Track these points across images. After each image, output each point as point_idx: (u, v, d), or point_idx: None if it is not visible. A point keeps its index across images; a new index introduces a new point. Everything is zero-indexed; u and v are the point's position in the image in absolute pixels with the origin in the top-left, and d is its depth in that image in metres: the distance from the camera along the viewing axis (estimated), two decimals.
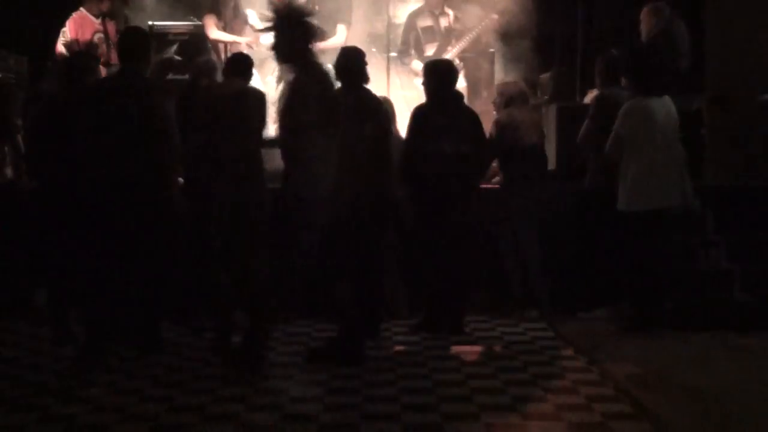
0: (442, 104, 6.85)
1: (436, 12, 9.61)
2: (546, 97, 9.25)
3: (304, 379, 5.60)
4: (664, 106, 6.72)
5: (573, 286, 7.30)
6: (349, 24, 9.40)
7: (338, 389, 5.38)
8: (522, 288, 7.35)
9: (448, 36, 9.49)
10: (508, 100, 7.45)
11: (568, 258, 7.36)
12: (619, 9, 9.98)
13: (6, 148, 7.85)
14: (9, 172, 7.96)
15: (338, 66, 6.43)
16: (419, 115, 6.83)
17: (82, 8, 9.29)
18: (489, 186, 7.54)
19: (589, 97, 7.95)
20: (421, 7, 9.79)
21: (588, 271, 7.16)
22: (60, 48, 8.99)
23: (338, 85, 6.47)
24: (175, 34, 9.84)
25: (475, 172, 7.00)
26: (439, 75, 6.94)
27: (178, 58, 9.23)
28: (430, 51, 9.33)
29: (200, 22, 9.58)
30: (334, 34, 9.09)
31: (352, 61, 6.40)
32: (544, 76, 9.57)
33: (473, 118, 6.99)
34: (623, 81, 7.03)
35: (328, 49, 7.95)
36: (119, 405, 5.09)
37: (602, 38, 9.65)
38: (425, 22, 9.61)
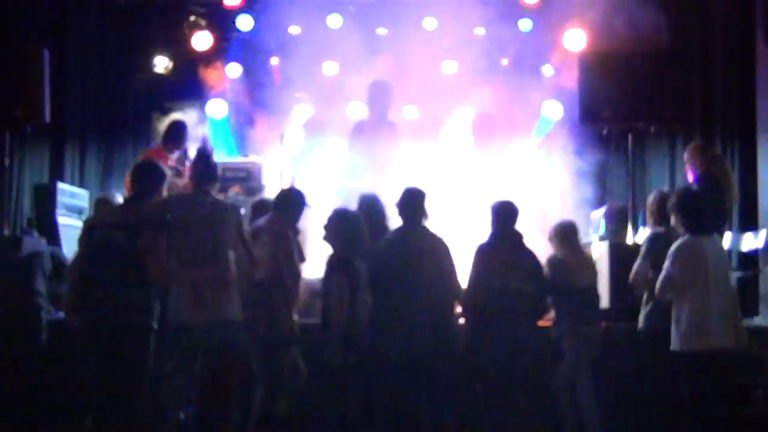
0: (504, 242, 6.95)
1: None
2: (599, 234, 9.27)
3: None
4: (714, 245, 6.69)
5: (628, 428, 7.15)
6: None
7: None
8: (577, 428, 7.21)
9: None
10: (562, 238, 7.49)
11: (622, 398, 7.24)
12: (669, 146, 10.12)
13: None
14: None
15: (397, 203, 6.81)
16: (484, 251, 6.92)
17: (158, 143, 9.49)
18: (542, 324, 7.49)
19: (642, 235, 7.93)
20: None
21: (643, 413, 7.02)
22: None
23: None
24: (233, 170, 10.14)
25: (536, 310, 7.04)
26: (501, 214, 7.05)
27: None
28: None
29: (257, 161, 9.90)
30: None
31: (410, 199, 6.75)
32: (597, 213, 9.61)
33: (533, 257, 7.08)
34: (673, 220, 7.04)
35: None
36: None
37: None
38: None
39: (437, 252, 6.76)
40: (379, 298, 6.61)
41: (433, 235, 6.83)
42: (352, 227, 6.61)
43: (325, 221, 6.70)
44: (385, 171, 8.80)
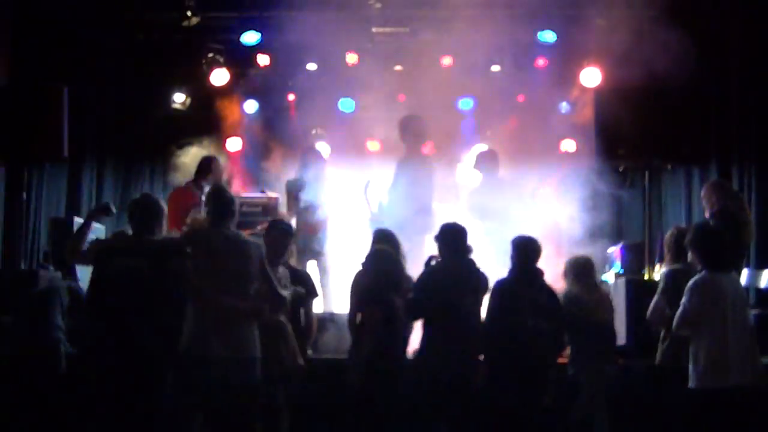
0: (525, 279, 6.93)
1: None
2: (615, 270, 9.23)
3: None
4: (732, 282, 6.63)
5: None
6: None
7: None
8: None
9: None
10: (578, 274, 7.46)
11: None
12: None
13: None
14: None
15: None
16: (503, 289, 6.91)
17: (186, 181, 9.57)
18: (558, 360, 7.46)
19: (659, 271, 7.90)
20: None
21: None
22: None
23: None
24: (250, 206, 10.18)
25: (554, 348, 7.02)
26: (522, 250, 7.02)
27: None
28: None
29: (273, 194, 9.95)
30: None
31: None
32: (614, 249, 9.57)
33: (553, 295, 7.06)
34: (690, 256, 7.00)
35: None
36: None
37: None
38: None
39: (476, 287, 6.85)
40: (424, 328, 6.77)
41: (476, 271, 6.90)
42: (389, 267, 6.69)
43: (362, 260, 6.83)
44: (419, 206, 8.90)
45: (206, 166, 9.54)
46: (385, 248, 6.94)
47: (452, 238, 6.93)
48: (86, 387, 6.35)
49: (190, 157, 9.97)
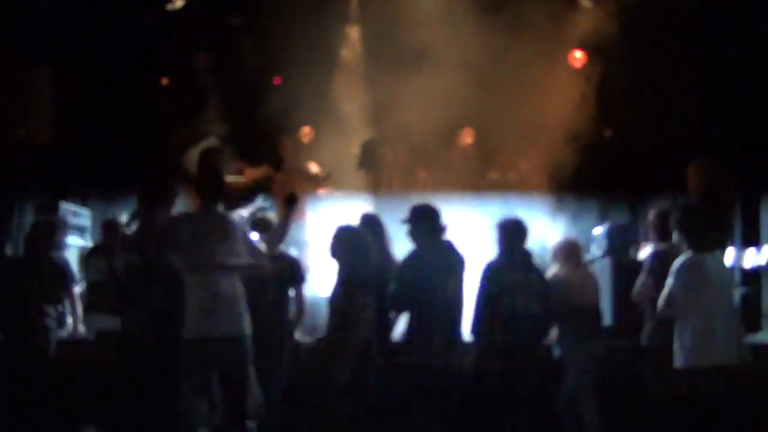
0: (513, 261, 6.90)
1: None
2: (601, 252, 9.26)
3: None
4: (717, 262, 6.66)
5: None
6: None
7: None
8: None
9: None
10: (564, 256, 7.48)
11: (625, 416, 7.21)
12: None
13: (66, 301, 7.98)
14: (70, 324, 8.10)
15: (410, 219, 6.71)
16: (492, 271, 6.86)
17: None
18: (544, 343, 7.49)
19: (644, 251, 7.93)
20: None
21: (647, 430, 7.00)
22: None
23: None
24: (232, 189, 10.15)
25: (542, 330, 7.01)
26: (511, 232, 6.97)
27: None
28: None
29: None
30: None
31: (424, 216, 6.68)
32: (599, 230, 9.60)
33: (541, 277, 7.04)
34: (675, 236, 7.03)
35: None
36: None
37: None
38: None
39: (459, 270, 6.70)
40: (409, 315, 6.66)
41: (454, 251, 6.71)
42: (358, 244, 6.61)
43: (330, 239, 6.70)
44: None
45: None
46: (352, 227, 6.83)
47: (426, 219, 6.68)
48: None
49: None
